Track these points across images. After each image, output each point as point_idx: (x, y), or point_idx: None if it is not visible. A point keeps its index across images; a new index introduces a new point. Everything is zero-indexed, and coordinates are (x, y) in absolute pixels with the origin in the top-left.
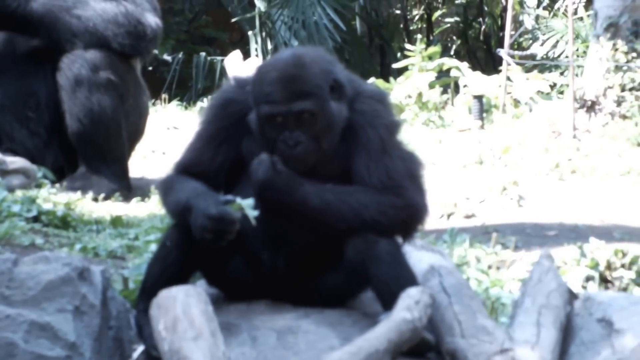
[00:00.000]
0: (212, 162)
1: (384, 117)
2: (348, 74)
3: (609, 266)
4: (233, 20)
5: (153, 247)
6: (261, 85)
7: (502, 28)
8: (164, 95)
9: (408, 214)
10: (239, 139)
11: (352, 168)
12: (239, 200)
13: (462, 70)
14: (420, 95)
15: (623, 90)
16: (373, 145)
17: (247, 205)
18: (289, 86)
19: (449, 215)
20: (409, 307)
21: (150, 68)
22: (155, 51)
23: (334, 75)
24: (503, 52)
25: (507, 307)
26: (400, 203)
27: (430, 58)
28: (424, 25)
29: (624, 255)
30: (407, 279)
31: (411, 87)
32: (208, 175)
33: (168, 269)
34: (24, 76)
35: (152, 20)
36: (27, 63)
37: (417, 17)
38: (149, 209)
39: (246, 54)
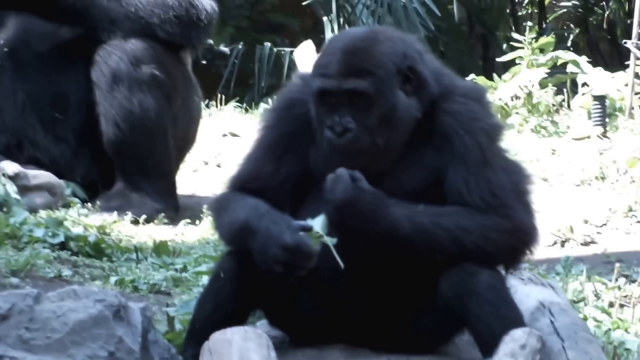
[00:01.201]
0: (274, 175)
1: (483, 119)
2: (439, 66)
3: None
4: (304, 3)
5: (204, 279)
6: (322, 56)
7: (629, 14)
8: (220, 95)
9: (516, 239)
10: (306, 148)
11: (445, 182)
12: (315, 226)
13: (580, 66)
14: (529, 95)
15: None
16: (471, 154)
17: (329, 239)
18: (347, 59)
19: (563, 242)
20: (513, 353)
21: (203, 62)
22: (210, 41)
23: (410, 62)
24: (630, 44)
25: (632, 354)
26: (506, 226)
27: (542, 50)
28: (535, 11)
29: None
30: (512, 318)
31: (519, 85)
32: (270, 192)
33: (222, 306)
34: (50, 71)
35: (207, 2)
36: (54, 56)
37: (526, 1)
38: (200, 233)
39: (319, 45)
